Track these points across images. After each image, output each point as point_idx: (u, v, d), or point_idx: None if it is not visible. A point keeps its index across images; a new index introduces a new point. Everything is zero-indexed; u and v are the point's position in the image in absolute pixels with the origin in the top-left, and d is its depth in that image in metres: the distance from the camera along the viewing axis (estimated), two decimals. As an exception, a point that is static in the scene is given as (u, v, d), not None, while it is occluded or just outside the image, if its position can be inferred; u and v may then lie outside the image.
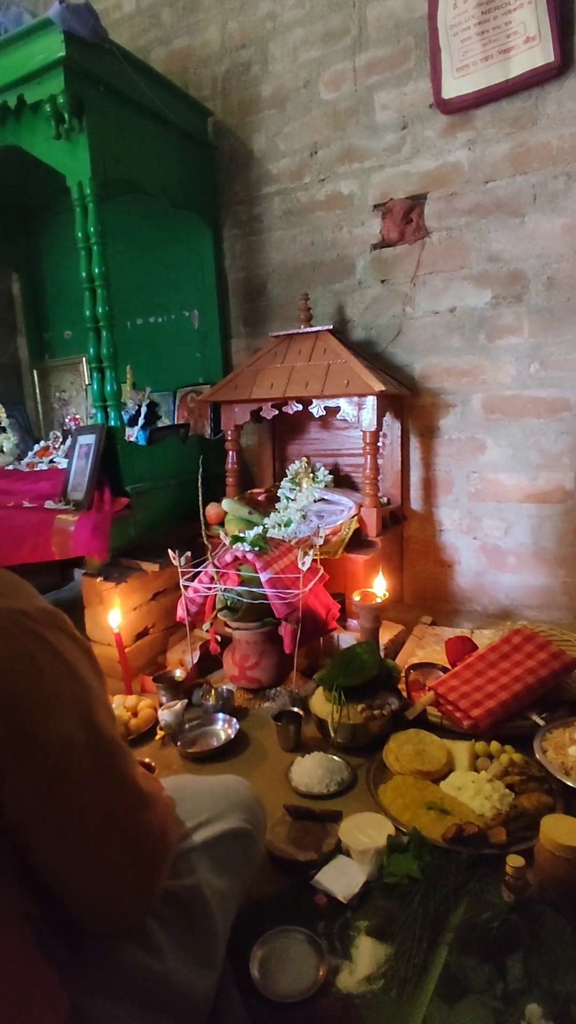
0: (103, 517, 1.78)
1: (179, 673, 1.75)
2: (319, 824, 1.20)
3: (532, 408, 1.96)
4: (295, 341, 2.11)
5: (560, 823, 1.03)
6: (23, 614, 0.57)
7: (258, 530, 1.79)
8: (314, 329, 2.08)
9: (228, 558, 1.74)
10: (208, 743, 1.54)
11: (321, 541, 1.80)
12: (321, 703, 1.53)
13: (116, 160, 1.86)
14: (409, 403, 2.15)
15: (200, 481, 1.81)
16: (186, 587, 1.76)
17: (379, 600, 1.73)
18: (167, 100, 2.05)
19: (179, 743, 1.52)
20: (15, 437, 2.56)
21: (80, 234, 1.83)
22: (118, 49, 1.82)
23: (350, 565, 1.87)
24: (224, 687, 1.71)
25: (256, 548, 1.71)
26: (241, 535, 1.76)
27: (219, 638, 1.86)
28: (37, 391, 2.91)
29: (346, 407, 1.92)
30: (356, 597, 1.74)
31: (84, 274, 1.85)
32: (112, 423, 1.91)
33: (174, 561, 1.74)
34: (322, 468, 2.16)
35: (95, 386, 1.92)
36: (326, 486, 2.09)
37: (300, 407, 2.03)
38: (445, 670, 1.62)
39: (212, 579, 1.74)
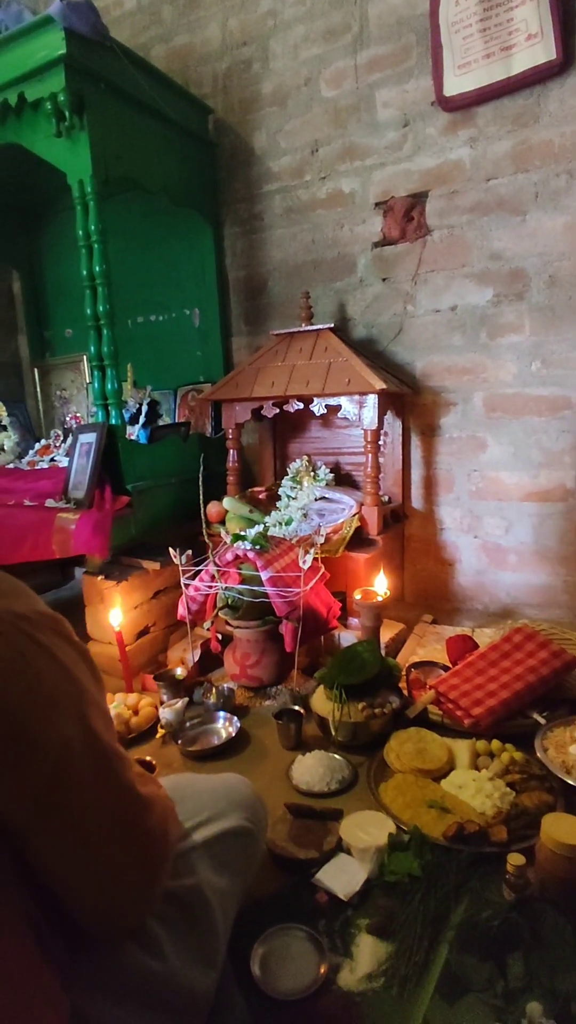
0: (104, 516, 1.78)
1: (180, 671, 1.75)
2: (320, 822, 1.20)
3: (533, 406, 1.96)
4: (296, 339, 2.10)
5: (561, 821, 1.02)
6: (20, 617, 0.57)
7: (259, 528, 1.79)
8: (315, 327, 2.08)
9: (229, 556, 1.74)
10: (209, 741, 1.54)
11: (322, 539, 1.79)
12: (322, 701, 1.53)
13: (117, 158, 1.86)
14: (410, 401, 2.15)
15: (201, 479, 1.81)
16: (187, 585, 1.76)
17: (380, 598, 1.72)
18: (168, 98, 2.04)
19: (180, 741, 1.53)
20: (16, 435, 2.56)
21: (81, 232, 1.83)
22: (119, 46, 1.81)
23: (351, 563, 1.87)
24: (225, 685, 1.71)
25: (257, 546, 1.71)
26: (242, 533, 1.76)
27: (220, 636, 1.86)
28: (38, 389, 2.91)
29: (347, 405, 1.92)
30: (357, 595, 1.74)
31: (85, 272, 1.85)
32: (113, 421, 1.91)
33: (175, 559, 1.74)
34: (323, 466, 2.16)
35: (96, 384, 1.92)
36: (327, 484, 2.09)
37: (301, 405, 2.03)
38: (446, 668, 1.62)
39: (213, 577, 1.74)
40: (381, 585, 1.77)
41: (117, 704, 1.62)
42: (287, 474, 2.20)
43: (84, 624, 1.93)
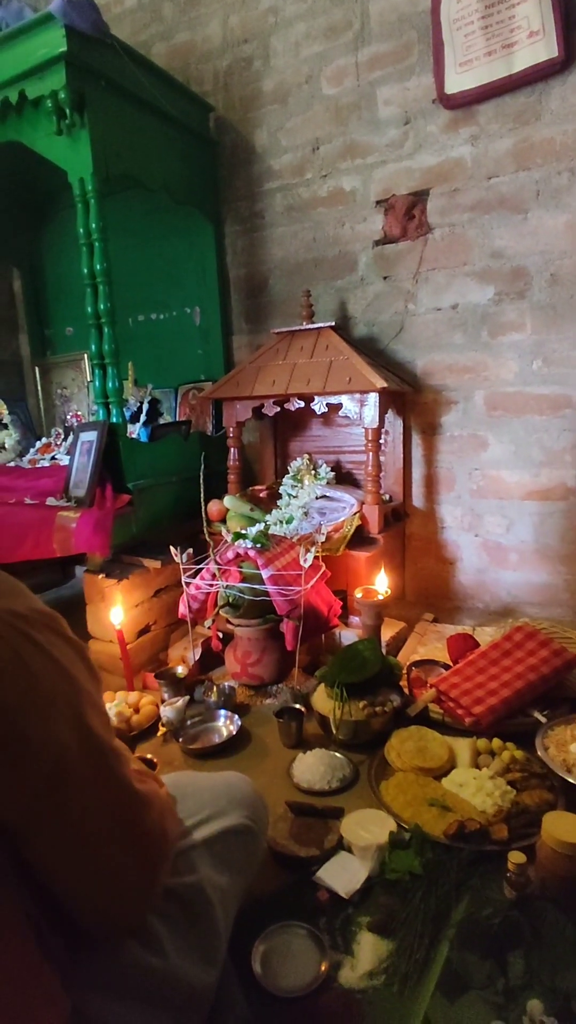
0: (105, 514, 1.79)
1: (181, 670, 1.75)
2: (321, 820, 1.21)
3: (534, 405, 1.96)
4: (297, 338, 2.10)
5: (562, 820, 1.03)
6: (16, 616, 0.56)
7: (260, 527, 1.79)
8: (316, 326, 2.08)
9: (230, 555, 1.74)
10: (210, 740, 1.55)
11: (323, 538, 1.79)
12: (323, 700, 1.53)
13: (117, 156, 1.86)
14: (411, 400, 2.15)
15: (202, 478, 1.81)
16: (188, 584, 1.76)
17: (381, 597, 1.73)
18: (168, 95, 2.04)
19: (181, 739, 1.53)
20: (17, 434, 2.56)
21: (82, 230, 1.82)
22: (119, 44, 1.81)
23: (352, 562, 1.87)
24: (226, 684, 1.71)
25: (258, 545, 1.71)
26: (243, 532, 1.76)
27: (221, 635, 1.86)
28: (39, 388, 2.91)
29: (348, 404, 1.92)
30: (358, 594, 1.74)
31: (86, 270, 1.85)
32: (114, 420, 1.91)
33: (176, 558, 1.74)
34: (324, 465, 2.16)
35: (97, 383, 1.92)
36: (328, 483, 2.09)
37: (302, 404, 2.03)
38: (447, 667, 1.62)
39: (214, 576, 1.74)
40: (382, 584, 1.77)
41: (118, 702, 1.62)
42: (288, 472, 2.20)
43: (85, 622, 1.93)
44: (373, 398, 1.87)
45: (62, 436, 2.48)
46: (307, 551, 1.64)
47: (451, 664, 1.63)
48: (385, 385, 1.81)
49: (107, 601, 1.85)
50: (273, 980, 0.89)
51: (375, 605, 1.71)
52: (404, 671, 1.63)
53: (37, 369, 2.91)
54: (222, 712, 1.62)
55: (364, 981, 0.90)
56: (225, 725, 1.59)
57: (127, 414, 2.17)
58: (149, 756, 1.34)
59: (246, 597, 1.69)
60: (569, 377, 1.89)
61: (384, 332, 2.17)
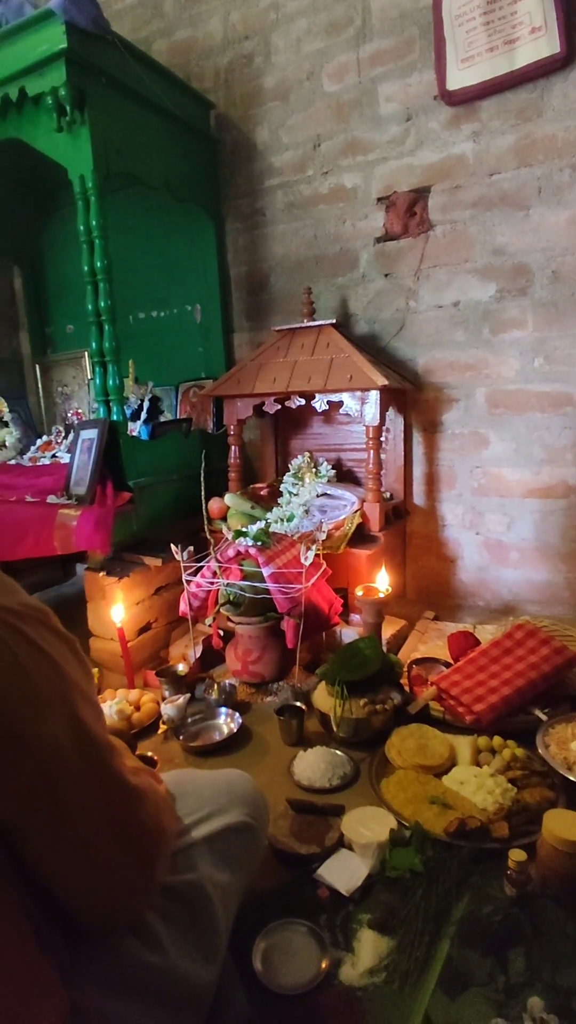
0: (105, 512, 1.78)
1: (182, 667, 1.75)
2: (321, 818, 1.21)
3: (536, 403, 1.95)
4: (298, 335, 2.10)
5: (562, 818, 1.03)
6: (5, 610, 0.56)
7: (261, 525, 1.79)
8: (317, 323, 2.07)
9: (231, 553, 1.74)
10: (211, 737, 1.55)
11: (324, 536, 1.79)
12: (324, 697, 1.53)
13: (118, 153, 1.85)
14: (412, 398, 2.15)
15: (202, 476, 1.81)
16: (189, 582, 1.76)
17: (382, 595, 1.73)
18: (169, 92, 2.03)
19: (182, 737, 1.53)
20: (17, 432, 2.56)
21: (82, 228, 1.82)
22: (120, 40, 1.80)
23: (353, 560, 1.87)
24: (227, 681, 1.71)
25: (259, 543, 1.71)
26: (244, 530, 1.75)
27: (222, 633, 1.86)
28: (39, 386, 2.91)
29: (349, 402, 1.92)
30: (359, 592, 1.74)
31: (86, 268, 1.84)
32: (114, 418, 1.91)
33: (177, 556, 1.74)
34: (325, 463, 2.16)
35: (97, 380, 1.92)
36: (329, 481, 2.09)
37: (303, 402, 2.03)
38: (447, 665, 1.62)
39: (215, 574, 1.74)
40: (383, 581, 1.77)
41: (119, 700, 1.62)
42: (289, 470, 2.19)
43: (86, 620, 1.93)
44: (374, 396, 1.87)
45: (63, 434, 2.48)
46: (308, 549, 1.63)
47: (452, 662, 1.63)
48: (386, 383, 1.80)
49: (108, 599, 1.85)
50: (274, 977, 0.90)
51: (376, 603, 1.71)
52: (405, 669, 1.63)
53: (38, 367, 2.91)
54: (223, 710, 1.62)
55: (365, 978, 0.90)
56: (226, 723, 1.59)
57: (128, 412, 2.17)
58: (150, 754, 1.34)
59: (247, 595, 1.69)
60: (570, 375, 1.89)
61: (385, 329, 2.16)
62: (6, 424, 2.58)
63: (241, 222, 2.39)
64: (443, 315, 2.06)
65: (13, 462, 2.41)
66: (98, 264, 1.83)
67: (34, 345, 3.00)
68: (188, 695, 1.67)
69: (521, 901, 0.99)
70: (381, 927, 0.97)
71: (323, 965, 0.91)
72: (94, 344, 1.89)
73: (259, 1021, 0.84)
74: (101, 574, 1.88)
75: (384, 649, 1.66)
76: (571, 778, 1.20)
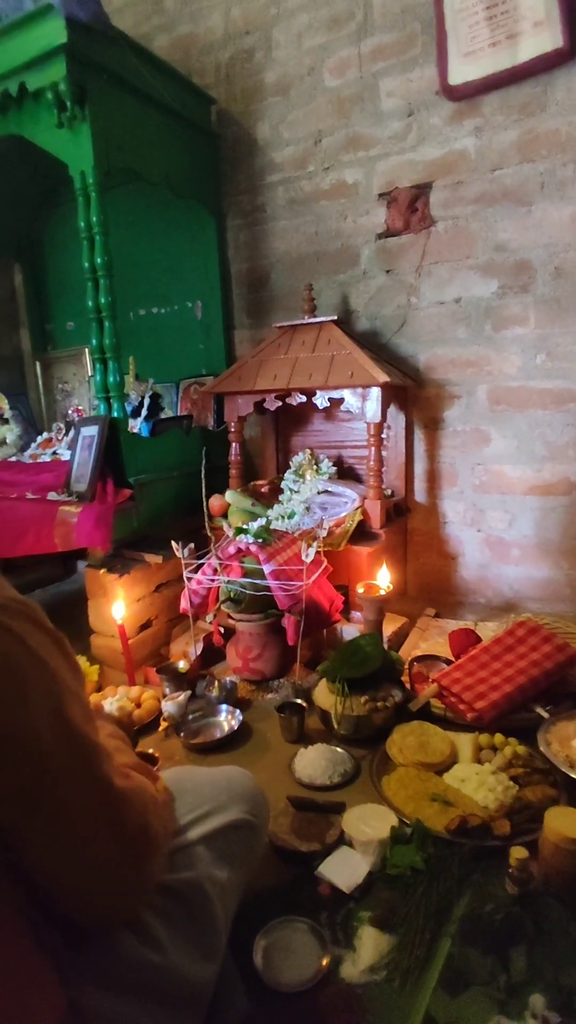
0: (106, 509, 1.78)
1: (183, 664, 1.75)
2: (322, 815, 1.20)
3: (538, 399, 1.95)
4: (299, 332, 2.09)
5: (564, 815, 1.02)
6: None
7: (261, 522, 1.78)
8: (318, 320, 2.06)
9: (231, 550, 1.73)
10: (211, 734, 1.54)
11: (325, 533, 1.79)
12: (324, 695, 1.53)
13: (119, 149, 1.85)
14: (414, 394, 2.14)
15: (203, 473, 1.80)
16: (189, 579, 1.76)
17: (383, 592, 1.72)
18: (170, 88, 2.02)
19: (182, 734, 1.53)
20: (18, 429, 2.56)
21: (83, 224, 1.81)
22: (121, 35, 1.80)
23: (354, 557, 1.87)
24: (227, 679, 1.71)
25: (259, 540, 1.70)
26: (244, 527, 1.75)
27: (222, 630, 1.85)
28: (40, 382, 2.90)
29: (350, 398, 1.91)
30: (360, 589, 1.74)
31: (87, 264, 1.84)
32: (115, 414, 1.91)
33: (177, 553, 1.74)
34: (326, 460, 2.15)
35: (98, 377, 1.91)
36: (330, 478, 2.08)
37: (304, 398, 2.02)
38: (449, 662, 1.62)
39: (215, 571, 1.74)
40: (384, 579, 1.76)
41: (120, 697, 1.62)
42: (290, 467, 2.19)
43: (87, 617, 1.93)
44: (375, 392, 1.86)
45: (63, 431, 2.48)
46: (309, 546, 1.63)
47: (453, 659, 1.62)
48: (387, 379, 1.80)
49: (109, 596, 1.85)
50: (274, 975, 0.89)
51: (377, 600, 1.70)
52: (406, 666, 1.63)
53: (38, 364, 2.90)
54: (223, 707, 1.61)
55: (365, 976, 0.89)
56: (226, 720, 1.58)
57: (128, 409, 2.16)
58: (151, 751, 1.34)
59: (247, 592, 1.69)
60: (573, 371, 1.88)
61: (387, 326, 2.16)
62: (7, 421, 2.58)
63: (242, 218, 2.38)
64: (445, 311, 2.05)
65: (14, 459, 2.41)
66: (99, 260, 1.82)
67: (35, 342, 3.00)
68: (189, 692, 1.66)
69: (523, 899, 0.99)
70: (382, 925, 0.97)
71: (324, 963, 0.91)
72: (94, 341, 1.88)
73: (260, 1019, 0.84)
74: (102, 571, 1.87)
75: (385, 646, 1.66)
76: (573, 776, 1.20)
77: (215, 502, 2.02)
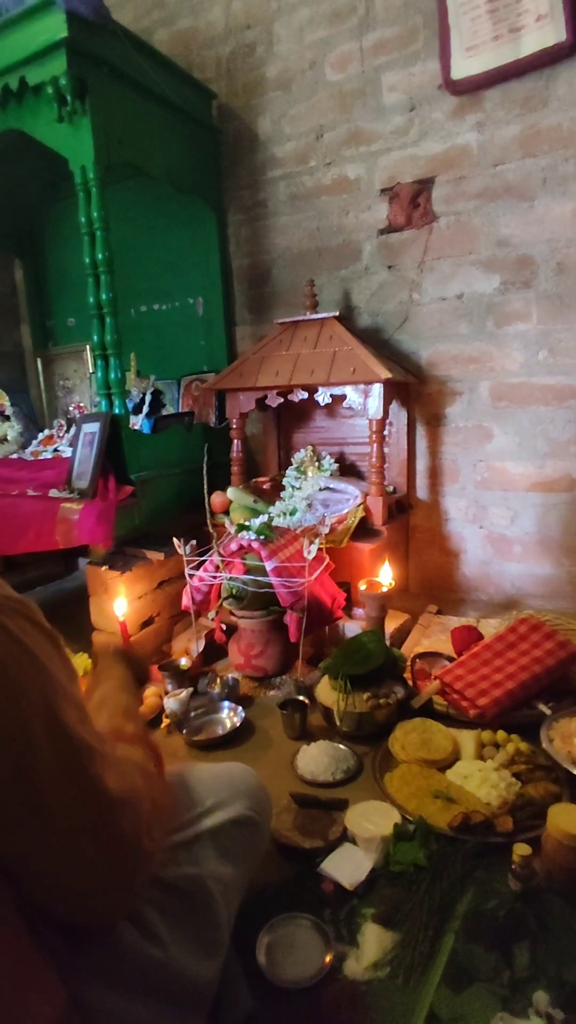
0: (108, 506, 1.78)
1: (184, 662, 1.75)
2: (325, 812, 1.20)
3: (540, 396, 1.94)
4: (300, 328, 2.09)
5: (567, 812, 1.02)
6: None
7: (263, 519, 1.78)
8: (320, 316, 2.06)
9: (233, 547, 1.73)
10: (213, 731, 1.54)
11: (327, 530, 1.79)
12: (327, 691, 1.53)
13: (119, 143, 1.84)
14: (416, 391, 2.13)
15: (205, 469, 1.80)
16: (191, 576, 1.76)
17: (385, 589, 1.72)
18: (171, 82, 2.02)
19: (184, 731, 1.53)
20: (19, 425, 2.55)
21: (83, 219, 1.81)
22: (121, 30, 1.79)
23: (356, 554, 1.86)
24: (229, 675, 1.71)
25: (261, 537, 1.70)
26: (246, 524, 1.75)
27: (224, 627, 1.85)
28: (41, 379, 2.90)
29: (352, 395, 1.91)
30: (362, 586, 1.73)
31: (87, 260, 1.83)
32: (116, 411, 1.90)
33: (179, 550, 1.73)
34: (327, 457, 2.14)
35: (99, 374, 1.91)
36: (331, 475, 2.08)
37: (306, 395, 2.02)
38: (451, 659, 1.62)
39: (217, 568, 1.73)
40: (386, 575, 1.76)
41: (122, 694, 1.62)
42: (291, 464, 2.18)
43: (88, 614, 1.93)
44: (377, 389, 1.86)
45: (64, 428, 2.47)
46: (311, 543, 1.63)
47: (455, 656, 1.62)
48: (389, 376, 1.79)
49: (110, 593, 1.85)
50: (278, 972, 0.89)
51: (379, 597, 1.70)
52: (408, 663, 1.63)
53: (39, 360, 2.90)
54: (226, 704, 1.61)
55: (369, 973, 0.90)
56: (229, 717, 1.59)
57: (130, 405, 2.16)
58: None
59: (250, 589, 1.69)
60: (575, 368, 1.87)
61: (388, 322, 2.15)
62: (8, 418, 2.58)
63: (243, 214, 2.37)
64: (447, 308, 2.04)
65: (15, 456, 2.41)
66: (99, 256, 1.82)
67: (35, 338, 2.99)
68: (191, 689, 1.66)
69: (526, 896, 0.99)
70: (385, 921, 0.97)
71: (327, 959, 0.91)
72: (96, 337, 1.88)
73: (263, 1015, 0.84)
74: (103, 568, 1.87)
75: (387, 643, 1.66)
76: (575, 772, 1.20)
77: (217, 499, 2.02)
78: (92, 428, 1.90)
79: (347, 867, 1.06)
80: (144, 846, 0.64)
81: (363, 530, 1.91)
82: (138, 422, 2.22)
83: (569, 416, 1.91)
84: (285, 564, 1.66)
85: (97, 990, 0.64)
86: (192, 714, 1.59)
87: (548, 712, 1.38)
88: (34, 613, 0.58)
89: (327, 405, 2.04)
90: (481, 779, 1.22)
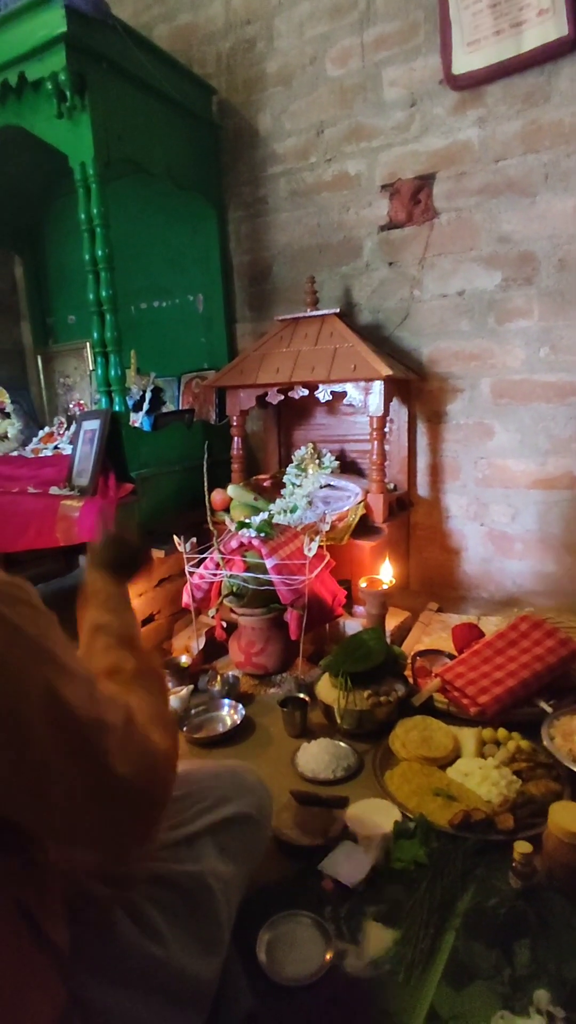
0: (108, 503, 1.78)
1: (185, 659, 1.75)
2: (325, 810, 1.20)
3: (541, 392, 1.93)
4: (301, 325, 2.08)
5: (568, 810, 1.02)
6: None
7: (264, 516, 1.78)
8: (320, 313, 2.05)
9: (234, 544, 1.73)
10: (214, 729, 1.54)
11: (327, 527, 1.78)
12: (327, 689, 1.53)
13: (119, 139, 1.83)
14: (416, 388, 2.13)
15: (205, 467, 1.80)
16: (192, 573, 1.75)
17: (385, 586, 1.72)
18: (171, 78, 2.01)
19: (185, 729, 1.53)
20: (19, 423, 2.55)
21: (83, 216, 1.80)
22: (121, 25, 1.78)
23: (356, 551, 1.86)
24: (230, 673, 1.71)
25: (262, 534, 1.70)
26: (247, 521, 1.75)
27: (225, 624, 1.85)
28: (41, 377, 2.89)
29: (353, 392, 1.90)
30: (362, 583, 1.73)
31: (87, 257, 1.83)
32: (117, 408, 1.90)
33: (179, 547, 1.73)
34: (328, 454, 2.14)
35: (99, 371, 1.91)
36: (332, 472, 2.08)
37: (306, 392, 2.01)
38: (451, 657, 1.61)
39: (218, 565, 1.73)
40: (386, 573, 1.76)
41: (122, 691, 1.62)
42: (292, 461, 2.18)
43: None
44: (378, 386, 1.85)
45: (65, 425, 2.47)
46: (311, 540, 1.62)
47: (456, 654, 1.62)
48: (390, 373, 1.79)
49: (111, 590, 1.84)
50: (278, 969, 0.89)
51: (380, 594, 1.70)
52: (409, 660, 1.62)
53: (39, 358, 2.89)
54: (226, 701, 1.61)
55: (370, 970, 0.89)
56: (229, 714, 1.58)
57: (130, 403, 2.15)
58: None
59: (250, 586, 1.68)
60: (577, 364, 1.87)
61: (389, 319, 2.14)
62: (8, 415, 2.58)
63: (243, 210, 2.36)
64: (448, 304, 2.03)
65: (15, 453, 2.41)
66: (99, 253, 1.81)
67: (36, 335, 2.99)
68: (191, 687, 1.66)
69: (526, 893, 0.99)
70: (386, 919, 0.97)
71: (328, 957, 0.90)
72: (96, 334, 1.88)
73: (264, 1013, 0.84)
74: (104, 566, 1.86)
75: (388, 641, 1.66)
76: (576, 770, 1.20)
77: (217, 496, 2.02)
78: (92, 425, 1.90)
79: (348, 865, 1.06)
80: (155, 795, 0.61)
81: (364, 527, 1.90)
82: (138, 419, 2.22)
83: (571, 413, 1.90)
84: (286, 561, 1.66)
85: (98, 988, 0.64)
86: (192, 712, 1.58)
87: (549, 710, 1.38)
88: (28, 593, 0.56)
89: (328, 402, 2.03)
90: (482, 777, 1.21)
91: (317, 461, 2.12)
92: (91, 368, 2.60)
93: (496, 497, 2.07)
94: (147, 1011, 0.67)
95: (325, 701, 1.50)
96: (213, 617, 1.83)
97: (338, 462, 2.14)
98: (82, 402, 2.69)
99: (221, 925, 0.78)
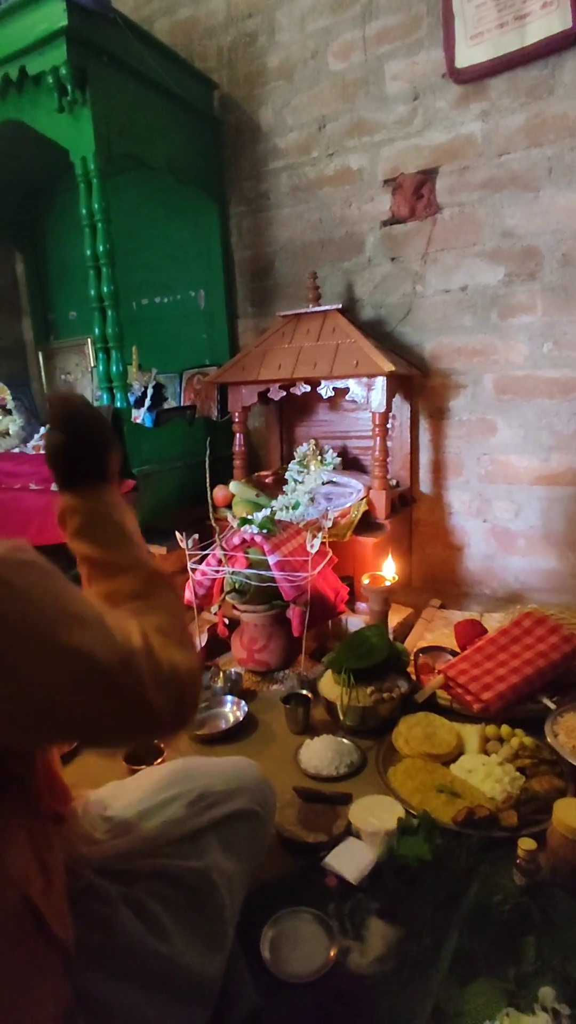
0: (110, 499, 1.77)
1: (187, 656, 1.74)
2: (329, 806, 1.20)
3: (545, 388, 1.93)
4: (303, 321, 2.07)
5: (572, 806, 1.02)
6: None
7: (266, 512, 1.77)
8: (322, 308, 2.04)
9: (236, 540, 1.72)
10: (217, 725, 1.54)
11: (330, 524, 1.78)
12: (330, 686, 1.52)
13: (120, 134, 1.82)
14: (419, 384, 2.12)
15: (207, 463, 1.79)
16: (194, 570, 1.75)
17: (388, 583, 1.71)
18: (172, 72, 1.99)
19: (188, 725, 1.52)
20: (21, 419, 2.54)
21: (84, 211, 1.79)
22: (122, 19, 1.77)
23: (359, 548, 1.86)
24: (232, 670, 1.71)
25: (264, 530, 1.69)
26: (249, 517, 1.74)
27: (227, 621, 1.85)
28: (42, 373, 2.89)
29: (355, 388, 1.89)
30: (365, 580, 1.73)
31: (89, 252, 1.82)
32: (118, 405, 1.89)
33: (181, 544, 1.73)
34: (330, 450, 2.14)
35: (100, 367, 1.90)
36: (334, 468, 2.07)
37: (308, 388, 2.00)
38: (454, 653, 1.61)
39: (220, 562, 1.73)
40: (389, 569, 1.75)
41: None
42: (294, 458, 2.17)
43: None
44: (380, 382, 1.85)
45: (66, 422, 2.46)
46: (314, 537, 1.62)
47: (459, 650, 1.62)
48: (393, 369, 1.78)
49: (113, 587, 1.84)
50: (282, 966, 0.89)
51: (382, 591, 1.69)
52: (411, 657, 1.62)
53: (41, 354, 2.89)
54: (228, 698, 1.61)
55: (373, 966, 0.89)
56: (232, 711, 1.58)
57: (131, 399, 2.15)
58: (156, 741, 1.34)
59: (252, 583, 1.68)
60: (580, 360, 1.86)
61: (392, 315, 2.13)
62: (9, 412, 2.57)
63: (245, 205, 2.35)
64: (451, 300, 2.02)
65: (17, 450, 2.40)
66: (100, 248, 1.81)
67: (37, 332, 2.98)
68: (194, 683, 1.66)
69: (531, 890, 0.98)
70: (389, 916, 0.97)
71: (331, 953, 0.90)
72: (97, 330, 1.87)
73: (268, 1009, 0.84)
74: (106, 562, 1.86)
75: (391, 637, 1.66)
76: (580, 767, 1.19)
77: (219, 493, 2.01)
78: (94, 422, 1.89)
79: (351, 861, 1.06)
80: (185, 715, 0.62)
81: (366, 524, 1.90)
82: (140, 416, 2.21)
83: (574, 409, 1.89)
84: (288, 558, 1.65)
85: (102, 984, 0.64)
86: (195, 708, 1.58)
87: (553, 706, 1.37)
88: (30, 553, 0.55)
89: (330, 398, 2.02)
90: (485, 773, 1.21)
91: (319, 457, 2.11)
92: (92, 364, 2.59)
93: (499, 493, 2.06)
94: (151, 1007, 0.67)
95: (328, 698, 1.50)
96: (215, 614, 1.83)
97: (340, 458, 2.13)
98: (83, 399, 2.69)
99: (225, 921, 0.78)
